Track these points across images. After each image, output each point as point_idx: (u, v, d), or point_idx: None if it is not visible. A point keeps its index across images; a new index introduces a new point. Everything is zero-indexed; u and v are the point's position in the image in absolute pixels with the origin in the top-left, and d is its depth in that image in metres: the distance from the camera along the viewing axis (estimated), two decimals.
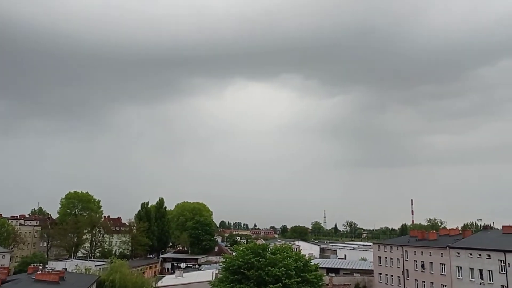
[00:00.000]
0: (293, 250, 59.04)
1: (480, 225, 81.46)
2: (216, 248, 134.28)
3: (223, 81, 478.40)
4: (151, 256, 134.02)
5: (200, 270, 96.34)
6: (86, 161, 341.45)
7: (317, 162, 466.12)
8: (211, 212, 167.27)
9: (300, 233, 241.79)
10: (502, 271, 56.59)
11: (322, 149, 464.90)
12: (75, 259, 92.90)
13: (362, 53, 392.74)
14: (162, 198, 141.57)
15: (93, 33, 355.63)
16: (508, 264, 55.54)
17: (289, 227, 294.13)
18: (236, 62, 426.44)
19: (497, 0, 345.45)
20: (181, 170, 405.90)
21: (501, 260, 56.84)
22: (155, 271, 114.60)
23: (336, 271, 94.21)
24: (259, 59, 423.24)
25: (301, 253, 57.48)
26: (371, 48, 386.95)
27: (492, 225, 76.62)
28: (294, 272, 47.06)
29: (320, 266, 74.33)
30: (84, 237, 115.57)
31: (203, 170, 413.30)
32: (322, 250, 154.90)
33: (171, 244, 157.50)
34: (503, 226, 67.42)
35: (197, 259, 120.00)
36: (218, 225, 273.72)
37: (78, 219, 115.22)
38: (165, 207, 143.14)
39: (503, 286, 56.10)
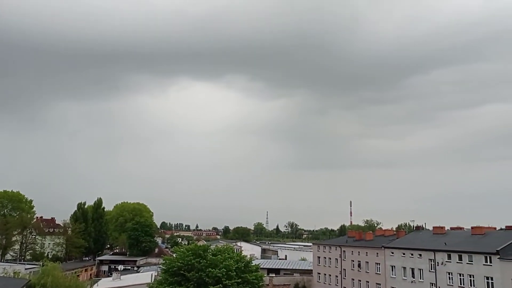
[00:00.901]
0: (235, 251, 58.79)
1: (413, 226, 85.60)
2: (156, 250, 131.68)
3: (167, 80, 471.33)
4: (87, 258, 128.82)
5: (138, 272, 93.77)
6: (17, 158, 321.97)
7: (261, 164, 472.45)
8: (152, 213, 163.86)
9: (242, 234, 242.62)
10: (431, 269, 59.80)
11: (267, 151, 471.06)
12: (3, 262, 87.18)
13: (306, 57, 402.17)
14: (100, 198, 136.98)
15: (29, 23, 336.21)
16: (437, 263, 58.79)
17: (231, 228, 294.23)
18: (180, 61, 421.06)
19: (433, 12, 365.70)
20: (122, 170, 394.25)
21: (431, 259, 60.07)
22: (90, 274, 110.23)
23: (277, 271, 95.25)
24: (204, 59, 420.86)
25: (242, 254, 57.43)
26: (315, 53, 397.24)
27: (424, 226, 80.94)
28: (235, 273, 47.00)
29: (261, 266, 74.74)
30: (14, 239, 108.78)
31: (144, 171, 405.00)
32: (264, 251, 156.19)
33: (109, 245, 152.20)
34: (433, 227, 71.34)
35: (136, 261, 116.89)
36: (159, 226, 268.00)
37: (7, 220, 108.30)
38: (103, 208, 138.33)
39: (432, 284, 59.31)
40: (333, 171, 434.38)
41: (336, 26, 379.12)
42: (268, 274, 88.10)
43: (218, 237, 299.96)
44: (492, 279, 51.23)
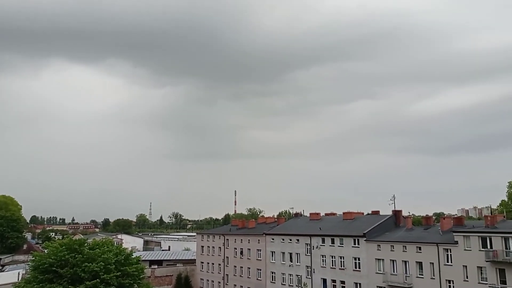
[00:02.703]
0: (114, 244, 56.22)
1: (292, 213, 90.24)
2: (25, 246, 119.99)
3: (41, 60, 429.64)
4: None
5: (3, 271, 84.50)
6: None
7: (144, 153, 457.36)
8: (20, 206, 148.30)
9: (123, 226, 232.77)
10: (307, 253, 63.81)
11: (150, 140, 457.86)
12: None
13: (194, 46, 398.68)
14: None
15: None
16: (313, 246, 62.89)
17: (112, 220, 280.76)
18: (54, 40, 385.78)
19: (313, 11, 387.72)
20: None
21: (307, 244, 64.08)
22: None
23: (159, 263, 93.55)
24: (83, 40, 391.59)
25: (123, 247, 55.14)
26: (202, 42, 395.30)
27: (302, 212, 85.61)
28: (114, 266, 45.03)
29: (143, 258, 72.83)
30: None
31: (13, 161, 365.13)
32: (146, 243, 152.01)
33: None
34: (310, 214, 76.06)
35: (0, 259, 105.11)
36: (28, 221, 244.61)
37: None
38: None
39: (307, 266, 63.33)
40: (219, 161, 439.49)
41: (224, 16, 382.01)
42: (150, 266, 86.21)
43: (97, 230, 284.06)
44: (359, 259, 56.45)
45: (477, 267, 44.54)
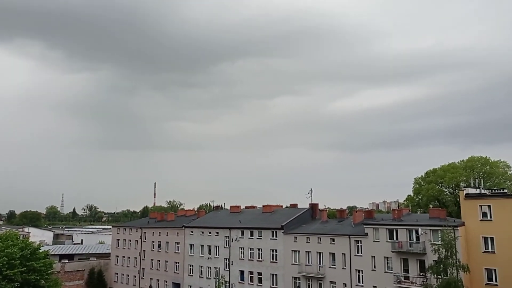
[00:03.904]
0: (20, 237, 52.20)
1: (213, 205, 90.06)
2: None
3: None
4: None
5: None
6: None
7: (56, 142, 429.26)
8: None
9: (31, 218, 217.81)
10: (227, 246, 64.07)
11: (65, 128, 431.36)
12: None
13: (115, 30, 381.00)
14: None
15: None
16: (232, 239, 63.26)
17: (18, 212, 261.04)
18: None
19: (241, 4, 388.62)
20: None
21: (227, 236, 64.33)
22: None
23: (71, 257, 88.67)
24: None
25: (29, 241, 51.35)
26: (126, 28, 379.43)
27: (223, 205, 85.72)
28: (18, 261, 41.91)
29: (52, 253, 68.59)
30: None
31: None
32: (57, 236, 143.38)
33: None
34: (230, 206, 76.44)
35: None
36: None
37: None
38: None
39: (226, 259, 63.62)
40: (139, 152, 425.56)
41: (150, 3, 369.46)
42: (60, 260, 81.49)
43: (1, 223, 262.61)
44: (276, 251, 57.80)
45: (384, 257, 47.63)
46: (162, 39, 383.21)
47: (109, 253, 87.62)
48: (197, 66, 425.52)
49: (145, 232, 79.30)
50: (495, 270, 41.39)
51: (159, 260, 74.89)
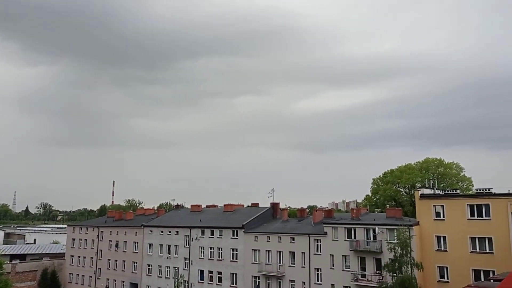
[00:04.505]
0: None
1: (173, 204, 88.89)
2: None
3: None
4: None
5: None
6: None
7: (8, 138, 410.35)
8: None
9: None
10: (186, 245, 63.35)
11: (16, 124, 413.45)
12: None
13: (74, 23, 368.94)
14: None
15: None
16: (192, 238, 62.60)
17: None
18: None
19: (207, 2, 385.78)
20: None
21: (187, 236, 63.60)
22: None
23: (22, 257, 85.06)
24: None
25: None
26: (84, 20, 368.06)
27: (183, 204, 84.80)
28: None
29: (2, 253, 66.00)
30: None
31: None
32: (7, 236, 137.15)
33: None
34: (191, 205, 75.67)
35: None
36: None
37: None
38: None
39: (186, 258, 62.91)
40: (97, 149, 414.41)
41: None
42: (11, 261, 78.07)
43: None
44: (237, 250, 57.66)
45: (342, 255, 48.45)
46: (123, 33, 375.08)
47: (64, 253, 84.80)
48: (159, 63, 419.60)
49: (102, 232, 77.19)
50: (447, 267, 42.94)
51: (117, 260, 73.10)
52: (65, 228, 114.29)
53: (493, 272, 38.39)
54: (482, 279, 39.05)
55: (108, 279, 73.51)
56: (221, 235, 59.73)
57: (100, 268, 75.38)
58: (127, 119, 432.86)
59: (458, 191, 50.42)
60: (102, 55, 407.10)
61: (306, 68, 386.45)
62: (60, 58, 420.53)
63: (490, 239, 40.76)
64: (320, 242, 50.61)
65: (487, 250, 40.84)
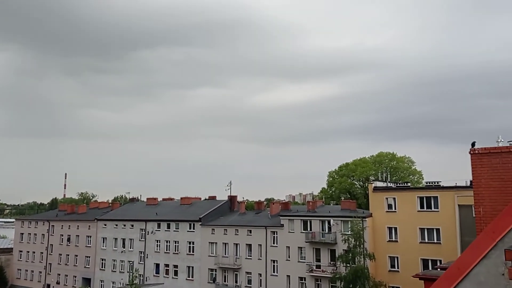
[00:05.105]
0: None
1: (128, 197, 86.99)
2: None
3: None
4: None
5: None
6: None
7: None
8: None
9: None
10: (142, 238, 62.23)
11: None
12: None
13: (23, 8, 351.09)
14: None
15: None
16: (148, 232, 61.56)
17: None
18: None
19: None
20: None
21: (142, 229, 62.46)
22: None
23: None
24: None
25: None
26: (33, 4, 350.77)
27: (139, 197, 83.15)
28: None
29: None
30: None
31: None
32: None
33: None
34: (147, 198, 74.32)
35: None
36: None
37: None
38: None
39: (141, 252, 61.82)
40: (48, 140, 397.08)
41: None
42: None
43: None
44: (193, 243, 57.30)
45: (298, 247, 49.20)
46: (74, 20, 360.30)
47: (12, 248, 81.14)
48: (113, 52, 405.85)
49: (53, 226, 74.42)
50: (397, 257, 44.57)
51: (68, 255, 70.80)
52: (13, 222, 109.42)
53: (440, 261, 40.14)
54: (430, 268, 40.80)
55: (59, 274, 71.10)
56: (178, 228, 59.09)
57: (51, 263, 72.75)
58: (81, 110, 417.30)
59: (409, 184, 52.37)
60: (53, 44, 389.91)
61: (264, 61, 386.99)
62: (8, 45, 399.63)
63: (438, 230, 42.63)
64: (276, 234, 51.13)
65: (435, 240, 42.72)
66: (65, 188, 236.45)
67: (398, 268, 44.35)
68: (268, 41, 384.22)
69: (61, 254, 71.83)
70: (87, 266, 67.82)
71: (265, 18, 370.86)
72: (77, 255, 69.60)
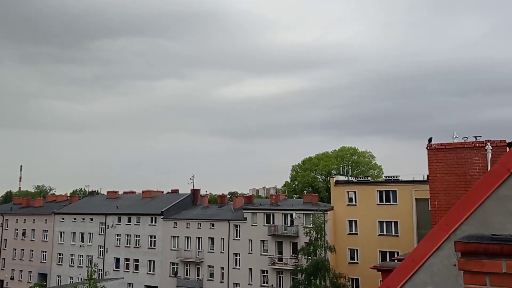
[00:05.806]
0: None
1: (88, 191, 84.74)
2: None
3: None
4: None
5: None
6: None
7: None
8: None
9: None
10: (101, 232, 60.84)
11: None
12: None
13: None
14: None
15: None
16: (108, 226, 60.23)
17: None
18: None
19: None
20: None
21: (102, 223, 61.04)
22: None
23: None
24: None
25: None
26: None
27: (99, 191, 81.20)
28: None
29: None
30: None
31: None
32: None
33: None
34: (107, 192, 72.63)
35: None
36: None
37: None
38: None
39: (100, 246, 60.44)
40: (3, 131, 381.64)
41: None
42: None
43: None
44: (155, 237, 56.55)
45: (261, 240, 49.51)
46: (32, 8, 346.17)
47: None
48: (75, 41, 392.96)
49: (7, 219, 71.54)
50: (357, 250, 45.68)
51: (23, 250, 68.30)
52: None
53: (397, 253, 41.36)
54: (388, 260, 42.04)
55: (14, 269, 68.51)
56: (139, 222, 58.13)
57: (5, 259, 69.98)
58: (40, 100, 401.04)
59: (369, 178, 53.67)
60: (10, 30, 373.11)
61: (231, 54, 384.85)
62: None
63: (396, 223, 43.96)
64: (239, 227, 51.22)
65: (393, 233, 44.05)
66: (20, 180, 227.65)
67: (357, 260, 45.45)
68: (235, 34, 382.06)
69: (15, 249, 69.21)
70: (43, 261, 65.67)
71: (233, 11, 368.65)
72: (32, 250, 67.24)
